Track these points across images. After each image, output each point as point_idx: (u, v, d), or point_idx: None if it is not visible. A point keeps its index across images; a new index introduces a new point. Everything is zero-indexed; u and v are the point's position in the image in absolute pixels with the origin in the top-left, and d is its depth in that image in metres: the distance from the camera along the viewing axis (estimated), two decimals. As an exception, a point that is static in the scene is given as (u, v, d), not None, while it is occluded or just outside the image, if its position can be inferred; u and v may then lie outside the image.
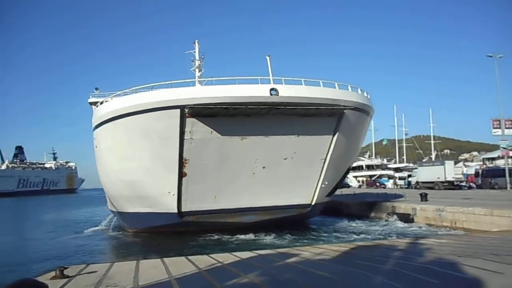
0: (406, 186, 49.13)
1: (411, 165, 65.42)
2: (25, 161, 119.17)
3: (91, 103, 25.73)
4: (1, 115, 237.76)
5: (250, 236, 17.58)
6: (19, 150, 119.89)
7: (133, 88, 18.22)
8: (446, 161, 42.71)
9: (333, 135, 18.35)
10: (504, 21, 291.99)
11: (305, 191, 19.25)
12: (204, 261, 7.25)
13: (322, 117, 17.64)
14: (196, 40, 25.26)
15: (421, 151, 77.05)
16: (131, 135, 17.14)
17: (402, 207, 22.11)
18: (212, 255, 7.91)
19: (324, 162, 18.81)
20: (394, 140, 80.00)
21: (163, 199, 17.52)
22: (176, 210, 17.52)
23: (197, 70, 24.77)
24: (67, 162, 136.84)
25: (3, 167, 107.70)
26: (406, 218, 20.50)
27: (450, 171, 39.94)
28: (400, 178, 54.87)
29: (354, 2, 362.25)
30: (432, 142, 73.41)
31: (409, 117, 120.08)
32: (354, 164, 69.60)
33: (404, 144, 78.78)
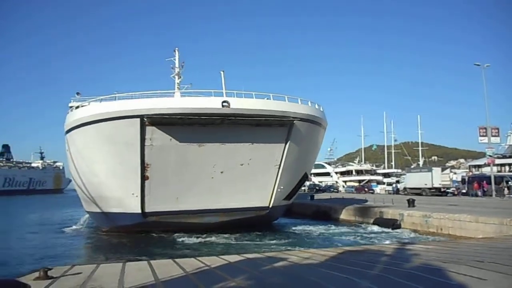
0: (394, 192, 49.52)
1: (399, 171, 66.01)
2: (11, 160, 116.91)
3: (71, 107, 25.95)
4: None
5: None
6: (6, 149, 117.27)
7: (100, 97, 20.07)
8: (433, 168, 43.15)
9: (285, 143, 19.62)
10: (491, 28, 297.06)
11: (262, 194, 20.43)
12: (191, 264, 7.21)
13: (274, 127, 19.01)
14: (176, 48, 26.73)
15: (409, 157, 77.77)
16: (98, 140, 18.48)
17: (389, 212, 22.29)
18: (199, 258, 7.88)
19: (279, 168, 20.02)
20: (383, 146, 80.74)
21: (128, 200, 18.68)
22: (140, 211, 18.66)
23: (176, 77, 26.32)
24: (54, 162, 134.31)
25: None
26: (393, 223, 20.67)
27: (437, 177, 40.38)
28: (388, 184, 55.32)
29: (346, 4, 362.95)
30: (420, 148, 74.20)
31: (398, 124, 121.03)
32: (343, 169, 70.53)
33: (393, 150, 79.42)
